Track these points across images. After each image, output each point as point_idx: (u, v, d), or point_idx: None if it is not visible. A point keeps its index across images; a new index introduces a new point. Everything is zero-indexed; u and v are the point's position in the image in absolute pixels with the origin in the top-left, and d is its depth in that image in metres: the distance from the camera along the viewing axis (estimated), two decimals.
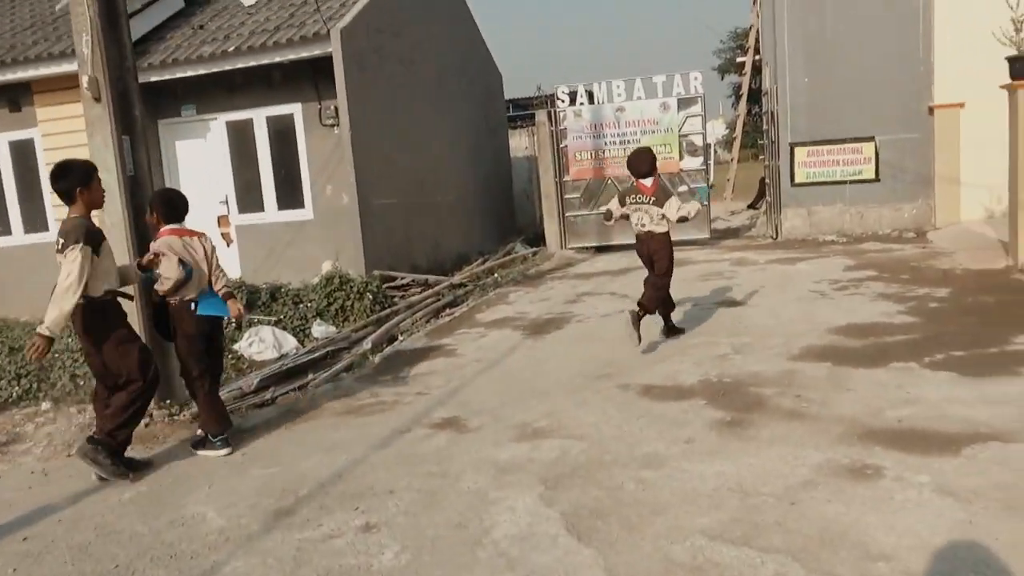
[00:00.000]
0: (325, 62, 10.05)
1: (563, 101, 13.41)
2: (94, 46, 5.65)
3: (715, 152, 25.03)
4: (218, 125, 11.29)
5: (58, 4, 12.05)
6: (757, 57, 16.91)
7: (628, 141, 13.03)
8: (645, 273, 6.65)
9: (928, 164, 11.89)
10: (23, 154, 11.70)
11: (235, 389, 6.15)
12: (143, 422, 5.16)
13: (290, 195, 11.09)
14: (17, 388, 7.00)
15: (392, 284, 10.07)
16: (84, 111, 5.76)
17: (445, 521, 3.62)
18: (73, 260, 4.23)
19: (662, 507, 3.57)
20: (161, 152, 11.54)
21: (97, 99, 5.69)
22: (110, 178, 5.43)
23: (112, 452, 4.51)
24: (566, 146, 13.35)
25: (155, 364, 4.68)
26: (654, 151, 6.73)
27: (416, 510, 3.77)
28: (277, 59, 10.25)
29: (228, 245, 11.02)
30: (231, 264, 10.40)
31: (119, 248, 5.25)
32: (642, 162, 6.44)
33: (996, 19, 7.98)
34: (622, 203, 6.55)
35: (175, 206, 4.98)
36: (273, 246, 10.86)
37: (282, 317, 8.11)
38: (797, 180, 12.54)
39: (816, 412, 4.62)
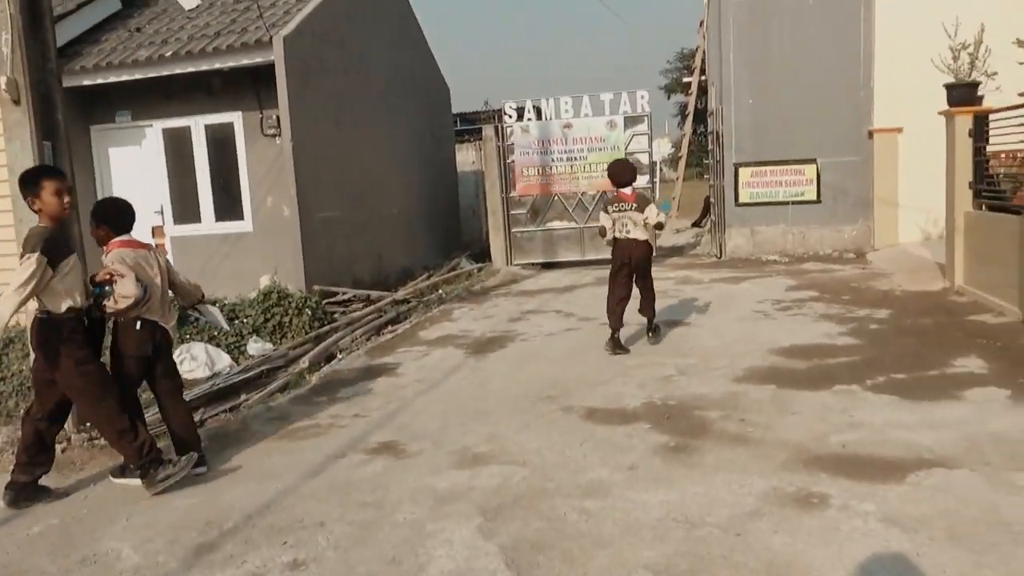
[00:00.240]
0: (267, 70, 9.77)
1: (510, 116, 13.34)
2: (14, 45, 5.29)
3: (661, 170, 25.33)
4: (154, 132, 10.88)
5: None
6: (703, 78, 17.16)
7: (575, 158, 13.03)
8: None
9: (868, 187, 12.16)
10: None
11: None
12: (59, 447, 4.83)
13: (229, 206, 10.74)
14: None
15: (333, 299, 9.80)
16: (2, 114, 5.40)
17: (378, 556, 3.42)
18: (26, 268, 4.01)
19: (605, 540, 3.43)
20: (93, 159, 11.09)
21: (16, 102, 5.32)
22: None
23: (151, 462, 4.32)
24: (513, 161, 13.27)
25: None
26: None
27: (348, 544, 3.55)
28: (217, 65, 9.93)
29: None
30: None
31: None
32: (624, 171, 6.86)
33: (935, 47, 8.17)
34: (606, 212, 6.87)
35: (127, 215, 4.63)
36: (210, 259, 10.48)
37: (217, 333, 7.76)
38: (741, 200, 12.68)
39: (761, 436, 4.56)
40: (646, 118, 12.98)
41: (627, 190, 6.77)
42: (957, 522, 3.37)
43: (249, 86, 10.41)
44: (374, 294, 10.22)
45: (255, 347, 7.68)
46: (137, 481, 4.43)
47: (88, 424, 5.33)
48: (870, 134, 12.05)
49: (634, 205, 6.70)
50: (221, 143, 10.67)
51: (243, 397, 6.21)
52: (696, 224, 18.92)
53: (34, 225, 4.26)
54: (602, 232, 6.96)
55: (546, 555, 3.33)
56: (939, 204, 8.90)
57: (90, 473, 4.77)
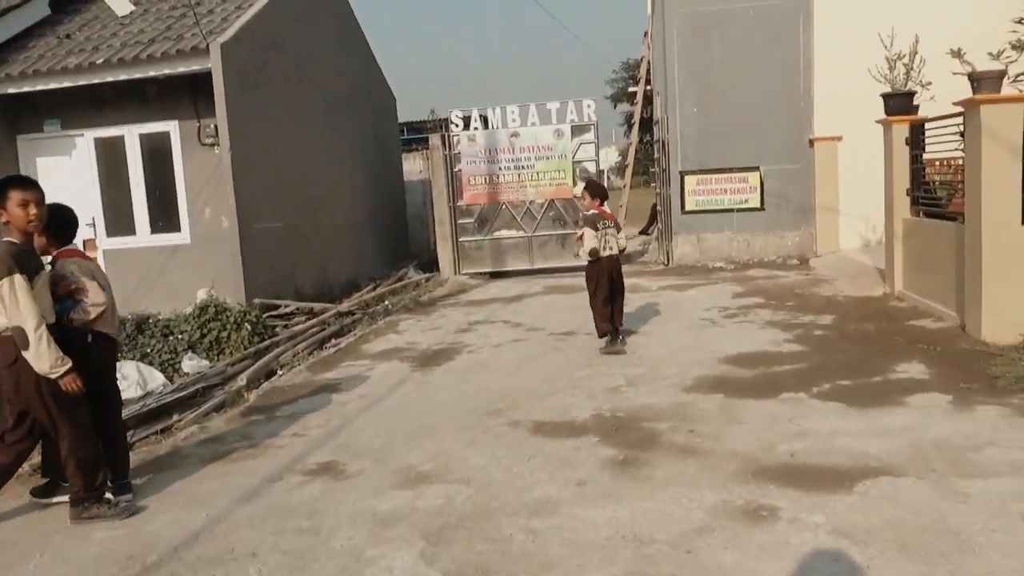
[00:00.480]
0: (205, 78, 9.46)
1: (457, 125, 13.21)
2: None
3: (608, 179, 25.48)
4: (85, 142, 10.44)
5: None
6: (648, 87, 17.27)
7: (522, 167, 12.96)
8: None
9: (809, 194, 12.36)
10: None
11: None
12: None
13: (165, 218, 10.36)
14: None
15: (274, 313, 9.50)
16: None
17: None
18: (8, 295, 3.78)
19: (552, 561, 3.31)
20: (20, 169, 10.54)
21: None
22: None
23: (99, 500, 4.08)
24: (460, 171, 13.14)
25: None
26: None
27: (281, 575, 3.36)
28: (151, 73, 9.58)
29: None
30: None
31: None
32: (604, 188, 7.41)
33: (872, 57, 8.32)
34: (596, 230, 7.00)
35: (72, 225, 4.36)
36: (146, 272, 10.10)
37: (149, 351, 7.44)
38: (687, 208, 12.77)
39: (710, 448, 4.50)
40: (593, 127, 12.99)
41: (606, 207, 7.22)
42: (906, 532, 3.34)
43: (186, 94, 10.08)
44: (317, 307, 9.96)
45: (190, 364, 7.37)
46: (64, 498, 4.16)
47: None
48: (811, 142, 12.25)
49: (614, 223, 7.15)
50: (157, 153, 10.30)
51: (176, 418, 5.92)
52: (644, 232, 19.03)
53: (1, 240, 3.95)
54: (595, 253, 6.98)
55: None
56: (878, 211, 9.06)
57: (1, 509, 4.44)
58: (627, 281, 7.67)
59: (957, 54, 6.74)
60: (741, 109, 12.38)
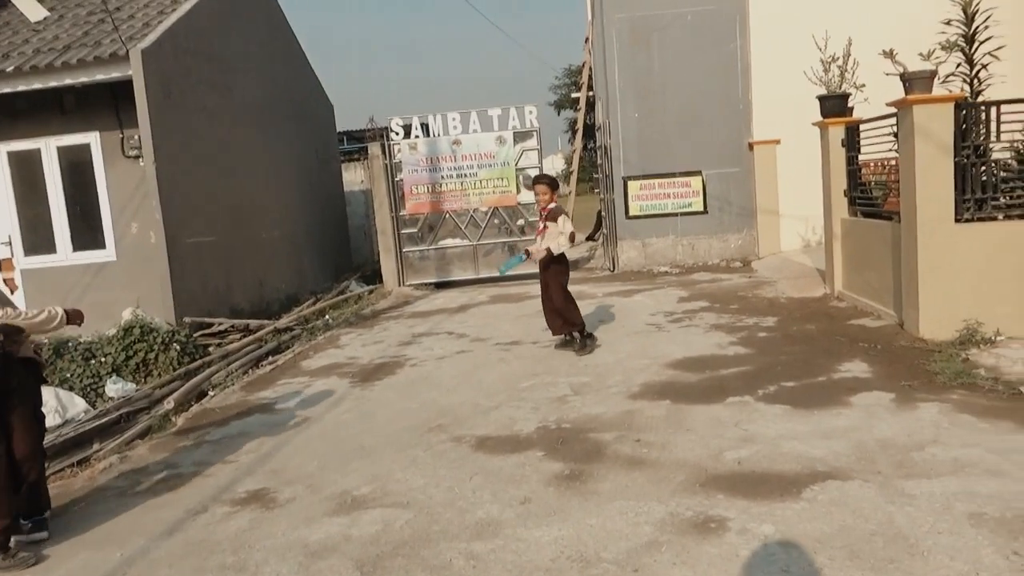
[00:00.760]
0: (126, 86, 9.03)
1: (397, 134, 12.95)
2: None
3: None
4: None
5: None
6: (591, 93, 17.29)
7: (465, 174, 12.78)
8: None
9: (750, 197, 12.45)
10: None
11: None
12: None
13: (88, 234, 9.88)
14: None
15: (207, 331, 9.11)
16: None
17: None
18: None
19: None
20: None
21: None
22: None
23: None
24: (402, 180, 12.89)
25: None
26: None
27: None
28: (68, 81, 9.12)
29: (12, 292, 9.61)
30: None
31: None
32: (556, 180, 7.52)
33: (808, 60, 8.37)
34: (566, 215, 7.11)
35: None
36: (69, 292, 9.57)
37: (70, 375, 7.01)
38: (631, 213, 12.75)
39: (657, 457, 4.37)
40: (535, 133, 12.87)
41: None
42: (855, 538, 3.24)
43: (108, 104, 9.65)
44: (254, 323, 9.58)
45: (114, 388, 6.97)
46: None
47: None
48: (750, 146, 12.35)
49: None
50: (77, 166, 9.82)
51: (95, 447, 5.55)
52: (590, 238, 19.00)
53: None
54: (573, 236, 7.05)
55: None
56: (817, 212, 9.11)
57: None
58: (573, 288, 7.53)
59: (889, 55, 6.80)
60: (682, 113, 12.42)
